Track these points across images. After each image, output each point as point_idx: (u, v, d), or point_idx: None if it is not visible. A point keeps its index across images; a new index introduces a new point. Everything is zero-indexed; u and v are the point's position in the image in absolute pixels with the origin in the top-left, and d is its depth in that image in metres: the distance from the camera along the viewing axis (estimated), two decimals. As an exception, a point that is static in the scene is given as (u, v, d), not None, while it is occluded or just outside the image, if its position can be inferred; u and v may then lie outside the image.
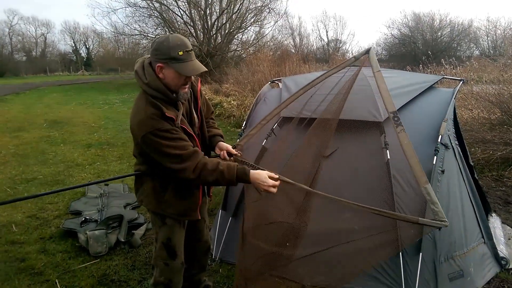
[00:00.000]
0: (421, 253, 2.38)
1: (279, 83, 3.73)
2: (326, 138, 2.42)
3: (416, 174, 1.96)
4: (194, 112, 2.11)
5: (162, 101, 1.87)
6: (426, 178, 1.96)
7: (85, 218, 3.68)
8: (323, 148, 2.48)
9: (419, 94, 2.89)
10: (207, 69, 2.00)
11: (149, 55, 1.94)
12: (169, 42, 1.81)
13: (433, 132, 2.63)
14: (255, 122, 3.35)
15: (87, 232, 3.29)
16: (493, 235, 2.92)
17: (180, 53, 1.81)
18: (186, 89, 1.94)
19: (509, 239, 3.18)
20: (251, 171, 1.92)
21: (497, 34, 29.34)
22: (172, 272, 2.18)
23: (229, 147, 2.23)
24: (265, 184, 1.89)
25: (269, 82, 3.83)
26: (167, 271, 2.17)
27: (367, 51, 2.34)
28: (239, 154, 2.24)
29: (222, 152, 2.21)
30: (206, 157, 1.96)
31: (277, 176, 1.94)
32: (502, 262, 2.84)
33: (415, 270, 2.36)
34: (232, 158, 2.22)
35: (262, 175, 1.90)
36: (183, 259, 2.23)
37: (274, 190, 1.90)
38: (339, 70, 2.46)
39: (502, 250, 2.93)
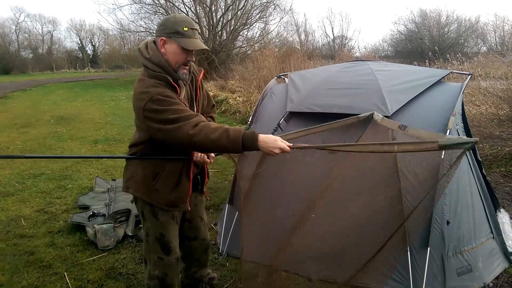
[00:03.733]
0: (429, 248, 2.37)
1: (285, 78, 3.72)
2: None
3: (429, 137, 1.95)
4: (194, 103, 2.09)
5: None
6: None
7: (93, 212, 3.71)
8: (329, 143, 2.48)
9: (427, 88, 2.87)
10: (208, 48, 2.00)
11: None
12: (175, 18, 1.87)
13: (441, 126, 2.60)
14: (261, 116, 3.35)
15: (95, 226, 3.31)
16: (502, 230, 2.91)
17: (185, 28, 1.84)
18: (186, 70, 1.92)
19: (517, 234, 3.15)
20: (260, 134, 1.78)
21: (504, 30, 28.86)
22: (166, 267, 2.14)
23: None
24: (275, 147, 1.77)
25: (276, 77, 3.83)
26: (162, 265, 2.13)
27: (371, 115, 2.45)
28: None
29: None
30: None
31: (288, 147, 1.80)
32: (511, 257, 2.82)
33: (423, 264, 2.35)
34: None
35: (272, 138, 1.78)
36: (179, 254, 2.19)
37: (279, 151, 1.78)
38: (343, 125, 2.46)
39: (511, 245, 2.91)
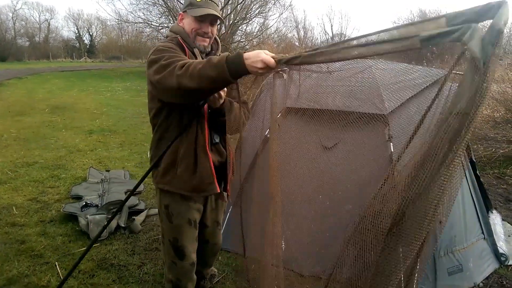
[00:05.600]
0: (421, 247, 2.38)
1: (283, 74, 3.70)
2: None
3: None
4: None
5: None
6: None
7: (86, 202, 3.69)
8: (325, 139, 2.47)
9: (425, 87, 2.87)
10: (221, 18, 1.91)
11: None
12: None
13: (437, 126, 2.61)
14: (258, 112, 3.34)
15: (88, 216, 3.29)
16: (493, 231, 2.93)
17: (198, 0, 1.85)
18: (205, 43, 1.93)
19: (509, 236, 3.18)
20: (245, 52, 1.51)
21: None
22: (180, 272, 2.09)
23: None
24: (257, 60, 1.45)
25: (273, 72, 3.80)
26: (175, 269, 2.08)
27: None
28: None
29: None
30: None
31: (272, 60, 1.45)
32: (501, 258, 2.84)
33: (415, 263, 2.36)
34: None
35: (254, 52, 1.48)
36: (194, 260, 2.12)
37: (262, 65, 1.44)
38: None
39: (502, 246, 2.94)
